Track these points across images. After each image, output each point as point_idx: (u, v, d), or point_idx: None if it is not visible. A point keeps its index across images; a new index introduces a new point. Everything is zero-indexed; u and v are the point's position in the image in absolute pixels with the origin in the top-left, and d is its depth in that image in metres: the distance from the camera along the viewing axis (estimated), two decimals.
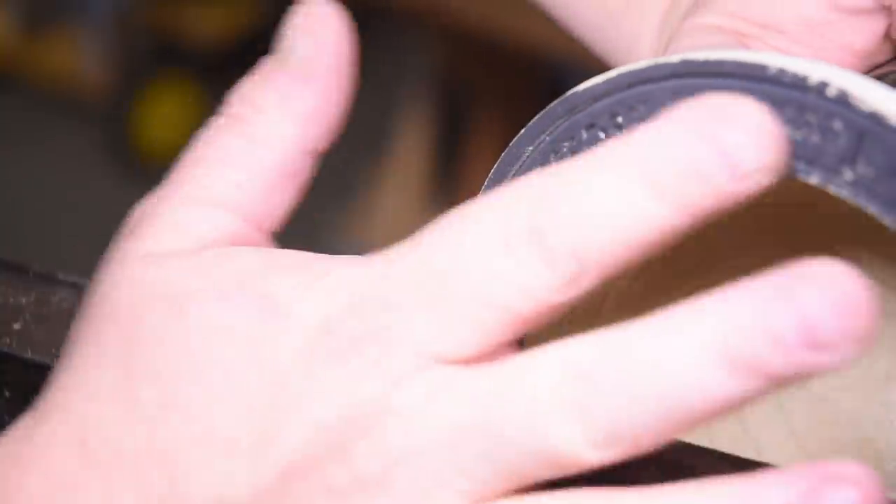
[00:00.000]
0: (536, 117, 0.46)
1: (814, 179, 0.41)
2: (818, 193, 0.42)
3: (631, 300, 0.50)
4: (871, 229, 0.42)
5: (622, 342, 0.37)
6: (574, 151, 0.45)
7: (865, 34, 0.50)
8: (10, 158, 3.02)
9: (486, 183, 0.47)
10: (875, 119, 0.40)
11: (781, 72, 0.41)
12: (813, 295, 0.35)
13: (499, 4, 1.95)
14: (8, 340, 0.54)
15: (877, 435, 0.50)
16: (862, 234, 0.46)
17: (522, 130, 0.46)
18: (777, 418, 0.51)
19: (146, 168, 3.12)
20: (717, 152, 0.36)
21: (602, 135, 0.44)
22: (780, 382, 0.35)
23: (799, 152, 0.41)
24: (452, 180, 2.37)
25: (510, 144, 0.46)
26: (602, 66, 0.53)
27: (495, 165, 0.47)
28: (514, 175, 0.46)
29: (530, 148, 0.46)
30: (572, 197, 0.37)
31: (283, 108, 0.45)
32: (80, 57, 3.12)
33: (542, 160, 0.46)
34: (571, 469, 0.37)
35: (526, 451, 0.37)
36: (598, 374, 0.36)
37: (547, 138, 0.45)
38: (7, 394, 0.54)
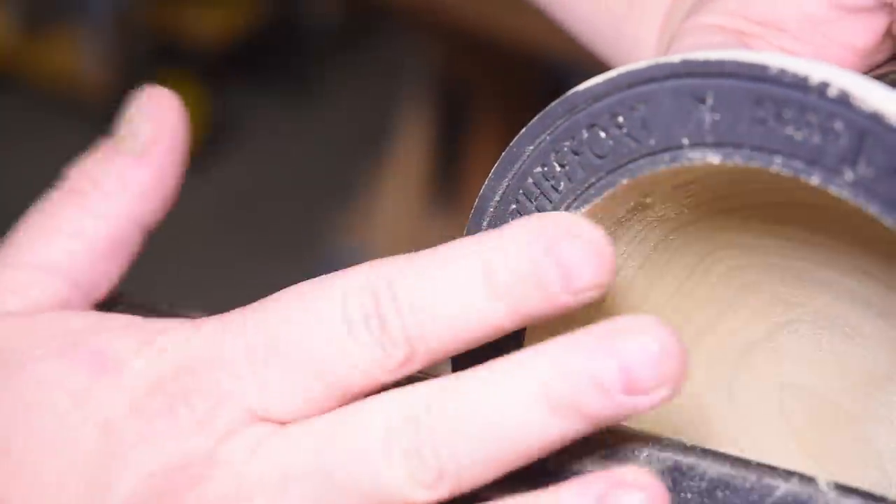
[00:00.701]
0: (537, 117, 0.46)
1: (814, 180, 0.41)
2: (818, 193, 0.42)
3: (634, 291, 0.51)
4: (872, 229, 0.42)
5: (455, 387, 0.39)
6: (574, 151, 0.45)
7: (866, 32, 0.50)
8: (10, 158, 3.02)
9: (486, 182, 0.47)
10: (876, 119, 0.40)
11: (782, 72, 0.41)
12: (631, 345, 0.38)
13: (498, 4, 1.95)
14: None
15: (877, 435, 0.50)
16: (862, 233, 0.46)
17: (523, 130, 0.46)
18: (777, 419, 0.51)
19: None
20: (557, 265, 0.39)
21: (602, 134, 0.44)
22: (600, 423, 0.38)
23: (799, 153, 0.41)
24: (452, 180, 2.37)
25: (511, 144, 0.46)
26: (603, 67, 0.53)
27: (496, 165, 0.47)
28: (514, 174, 0.47)
29: (531, 147, 0.46)
30: (416, 288, 0.39)
31: (119, 184, 0.47)
32: (80, 57, 3.12)
33: (543, 159, 0.46)
34: None
35: (357, 494, 0.38)
36: (428, 417, 0.38)
37: (547, 138, 0.45)
38: None
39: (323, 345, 0.39)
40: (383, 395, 0.39)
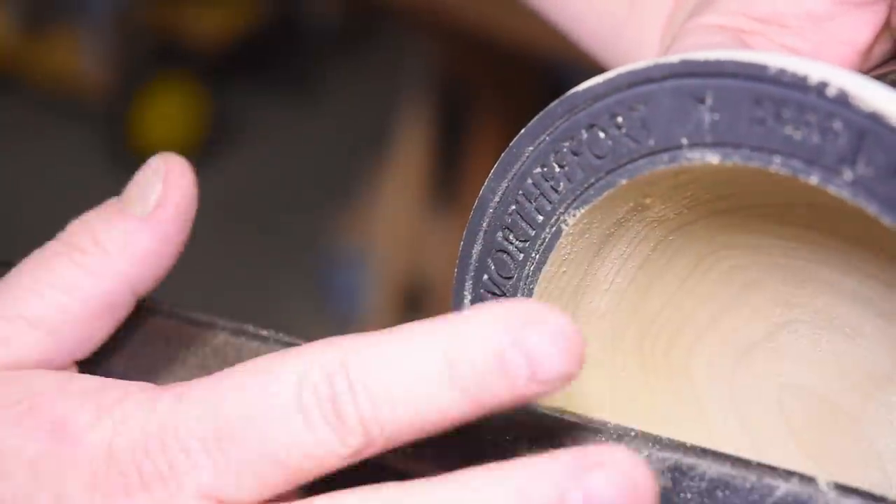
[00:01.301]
0: (536, 117, 0.46)
1: (813, 179, 0.41)
2: (818, 193, 0.42)
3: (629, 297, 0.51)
4: (872, 229, 0.42)
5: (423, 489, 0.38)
6: (574, 152, 0.45)
7: (866, 26, 0.50)
8: (10, 158, 3.02)
9: (486, 183, 0.47)
10: (875, 119, 0.40)
11: (781, 71, 0.41)
12: (600, 478, 0.36)
13: (498, 4, 1.95)
14: None
15: (877, 435, 0.50)
16: (863, 233, 0.46)
17: (523, 130, 0.46)
18: (777, 419, 0.51)
19: None
20: (523, 355, 0.37)
21: (602, 135, 0.44)
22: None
23: (798, 152, 0.41)
24: (452, 180, 2.37)
25: (511, 144, 0.46)
26: (602, 68, 0.53)
27: (495, 165, 0.47)
28: (514, 175, 0.46)
29: (530, 148, 0.46)
30: (374, 371, 0.38)
31: (119, 245, 0.47)
32: (80, 57, 3.12)
33: (542, 160, 0.46)
34: None
35: None
36: None
37: (547, 138, 0.45)
38: None
39: (277, 431, 0.38)
40: (336, 495, 0.39)
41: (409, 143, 2.39)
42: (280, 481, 0.39)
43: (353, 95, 3.35)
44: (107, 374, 0.45)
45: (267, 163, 3.13)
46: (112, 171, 3.07)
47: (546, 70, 2.29)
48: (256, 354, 0.49)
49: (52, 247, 0.47)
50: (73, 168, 2.99)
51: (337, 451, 0.38)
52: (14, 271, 0.46)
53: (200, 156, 3.15)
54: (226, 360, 0.50)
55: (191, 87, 3.14)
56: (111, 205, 0.47)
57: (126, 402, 0.41)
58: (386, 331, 0.39)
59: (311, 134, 3.24)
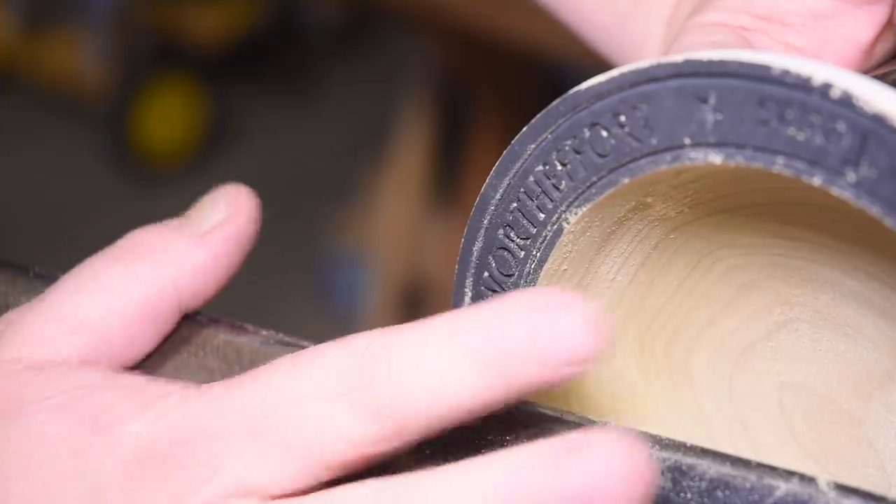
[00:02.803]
0: (539, 115, 0.45)
1: (816, 181, 0.41)
2: (820, 193, 0.42)
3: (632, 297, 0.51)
4: (874, 229, 0.42)
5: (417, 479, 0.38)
6: (576, 150, 0.45)
7: (869, 24, 0.50)
8: (10, 158, 3.02)
9: (488, 181, 0.47)
10: (879, 121, 0.40)
11: (785, 72, 0.41)
12: (593, 457, 0.36)
13: (498, 4, 1.95)
14: None
15: (877, 435, 0.50)
16: (864, 233, 0.46)
17: (524, 128, 0.46)
18: (777, 418, 0.51)
19: (146, 167, 3.12)
20: (558, 336, 0.37)
21: (604, 133, 0.44)
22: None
23: (802, 153, 0.41)
24: (452, 180, 2.37)
25: (512, 142, 0.46)
26: (604, 66, 0.53)
27: (497, 163, 0.47)
28: (516, 172, 0.46)
29: (532, 146, 0.46)
30: (406, 361, 0.38)
31: (171, 258, 0.48)
32: (80, 57, 3.12)
33: (544, 158, 0.46)
34: None
35: None
36: None
37: (549, 136, 0.45)
38: None
39: (314, 417, 0.39)
40: (368, 482, 0.39)
41: (409, 143, 2.39)
42: (318, 470, 0.39)
43: (353, 95, 3.35)
44: None
45: (267, 163, 3.13)
46: (112, 171, 3.07)
47: (546, 70, 2.29)
48: (256, 354, 0.49)
49: (106, 253, 0.48)
50: (73, 168, 2.99)
51: (373, 439, 0.39)
52: (67, 275, 0.47)
53: (200, 156, 3.15)
54: (226, 360, 0.50)
55: (191, 87, 3.14)
56: (171, 222, 0.49)
57: (169, 397, 0.41)
58: (414, 322, 0.40)
59: (311, 134, 3.25)
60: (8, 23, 3.17)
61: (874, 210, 0.40)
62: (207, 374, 0.50)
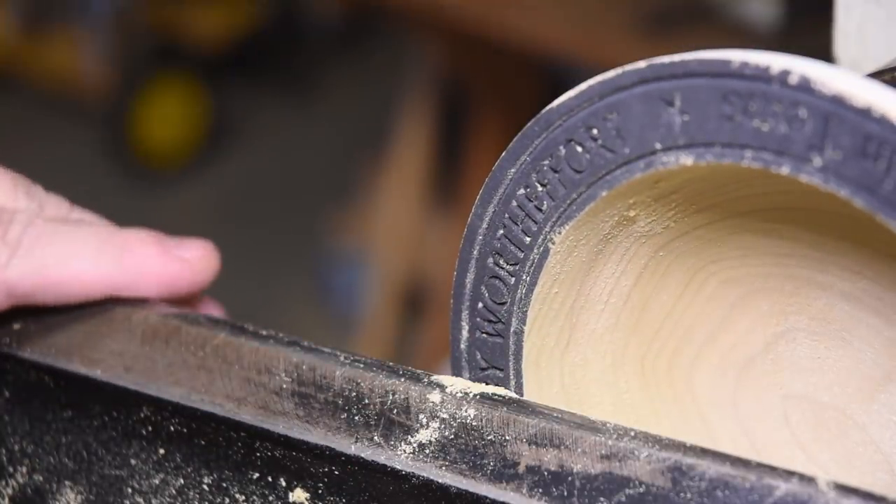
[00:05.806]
0: (516, 138, 0.46)
1: (784, 170, 0.41)
2: (802, 196, 0.42)
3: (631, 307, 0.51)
4: (861, 229, 0.42)
5: None
6: (554, 169, 0.45)
7: None
8: (11, 158, 3.02)
9: (473, 210, 0.47)
10: (838, 102, 0.40)
11: (744, 64, 0.41)
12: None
13: (498, 4, 1.95)
14: (8, 340, 0.54)
15: (882, 437, 0.49)
16: (851, 234, 0.46)
17: (503, 153, 0.46)
18: (784, 432, 0.51)
19: (146, 167, 3.12)
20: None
21: (579, 148, 0.45)
22: None
23: (768, 144, 0.41)
24: (452, 180, 2.37)
25: (493, 168, 0.47)
26: (603, 66, 0.53)
27: (481, 191, 0.47)
28: (499, 199, 0.47)
29: (512, 170, 0.46)
30: None
31: (156, 253, 0.55)
32: (80, 57, 3.12)
33: (525, 181, 0.46)
34: None
35: None
36: None
37: (528, 158, 0.46)
38: (7, 394, 0.54)
39: None
40: None
41: (409, 142, 2.40)
42: None
43: (353, 95, 3.35)
44: (107, 375, 0.45)
45: (267, 162, 3.14)
46: (112, 171, 3.07)
47: (546, 70, 2.30)
48: (256, 354, 0.49)
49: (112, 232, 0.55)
50: (73, 168, 2.99)
51: None
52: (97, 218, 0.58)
53: (200, 155, 3.15)
54: (226, 360, 0.50)
55: (191, 87, 3.15)
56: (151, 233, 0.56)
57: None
58: None
59: (311, 134, 3.25)
60: (8, 23, 3.17)
61: (843, 192, 0.40)
62: (207, 374, 0.50)
